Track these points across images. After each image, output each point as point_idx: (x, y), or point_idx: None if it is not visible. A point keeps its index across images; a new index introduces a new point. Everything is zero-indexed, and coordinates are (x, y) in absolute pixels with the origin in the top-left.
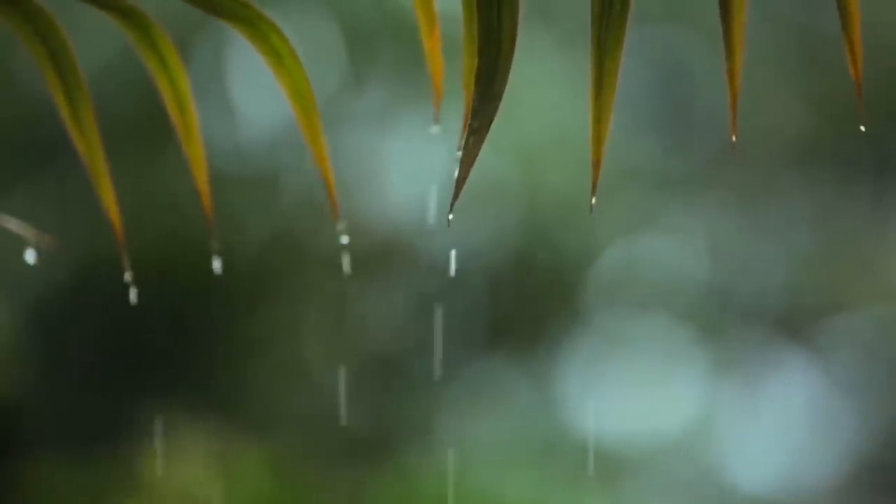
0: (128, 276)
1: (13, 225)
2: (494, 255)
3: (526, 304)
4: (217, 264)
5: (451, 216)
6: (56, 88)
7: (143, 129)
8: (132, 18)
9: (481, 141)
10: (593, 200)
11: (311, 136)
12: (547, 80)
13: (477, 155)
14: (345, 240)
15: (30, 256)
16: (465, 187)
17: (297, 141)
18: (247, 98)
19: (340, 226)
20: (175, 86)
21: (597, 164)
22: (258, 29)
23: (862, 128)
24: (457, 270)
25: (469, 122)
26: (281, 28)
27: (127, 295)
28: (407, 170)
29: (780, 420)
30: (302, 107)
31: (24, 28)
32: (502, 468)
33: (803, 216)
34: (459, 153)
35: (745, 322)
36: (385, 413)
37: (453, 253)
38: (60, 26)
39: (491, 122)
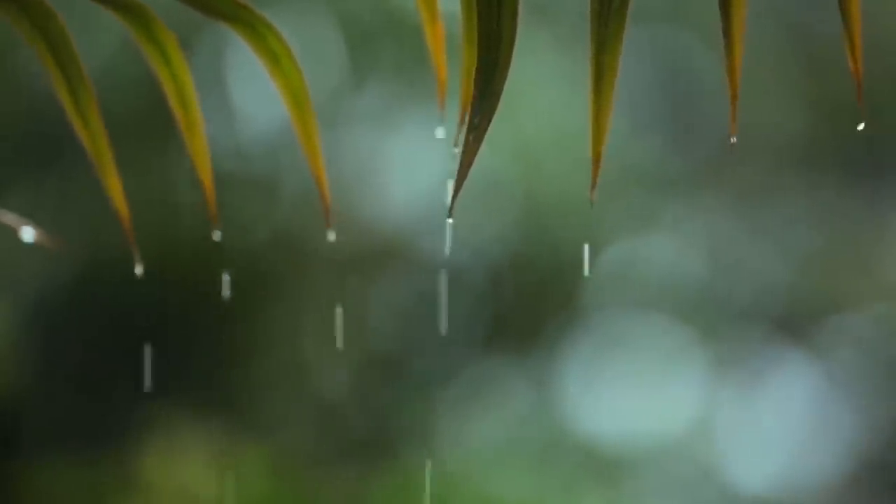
0: (138, 269)
1: (11, 220)
2: (494, 254)
3: (525, 303)
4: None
5: (451, 213)
6: (58, 81)
7: (145, 127)
8: (134, 14)
9: (481, 138)
10: (594, 196)
11: (305, 139)
12: (546, 78)
13: (477, 152)
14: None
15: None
16: (464, 186)
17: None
18: (248, 97)
19: (331, 233)
20: (177, 80)
21: (596, 161)
22: (255, 30)
23: (861, 126)
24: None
25: (469, 119)
26: (278, 29)
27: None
28: (407, 169)
29: (780, 420)
30: (297, 109)
31: (23, 22)
32: (502, 468)
33: (803, 216)
34: (457, 150)
35: (745, 322)
36: (385, 413)
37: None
38: (60, 19)
39: (490, 119)
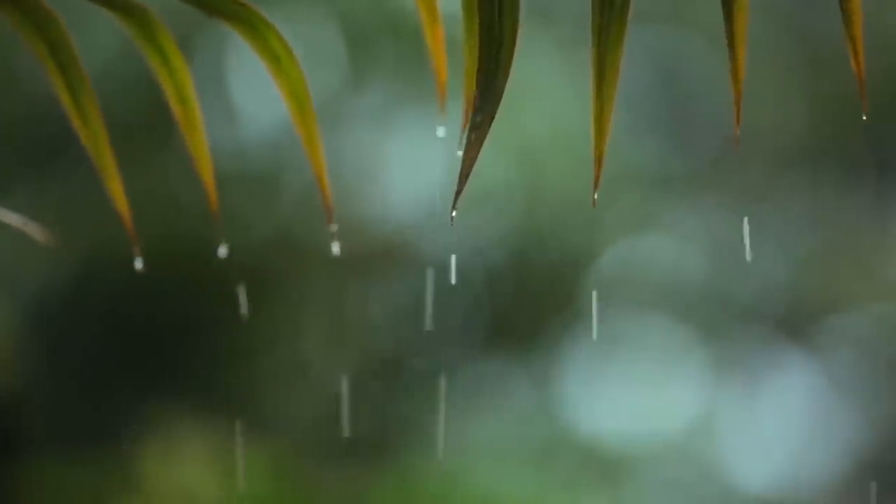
0: (138, 264)
1: (15, 220)
2: (494, 254)
3: (526, 303)
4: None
5: (454, 213)
6: (58, 81)
7: (145, 129)
8: (133, 15)
9: (483, 138)
10: (595, 195)
11: (307, 138)
12: (547, 79)
13: (479, 151)
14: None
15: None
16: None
17: (299, 140)
18: (248, 97)
19: (333, 229)
20: (177, 79)
21: (598, 160)
22: (256, 30)
23: (864, 117)
24: (457, 270)
25: (471, 119)
26: (279, 29)
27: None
28: (407, 169)
29: (780, 420)
30: (298, 108)
31: (24, 23)
32: (502, 468)
33: (803, 216)
34: (460, 153)
35: (745, 322)
36: (385, 413)
37: (453, 253)
38: (60, 20)
39: (492, 119)
